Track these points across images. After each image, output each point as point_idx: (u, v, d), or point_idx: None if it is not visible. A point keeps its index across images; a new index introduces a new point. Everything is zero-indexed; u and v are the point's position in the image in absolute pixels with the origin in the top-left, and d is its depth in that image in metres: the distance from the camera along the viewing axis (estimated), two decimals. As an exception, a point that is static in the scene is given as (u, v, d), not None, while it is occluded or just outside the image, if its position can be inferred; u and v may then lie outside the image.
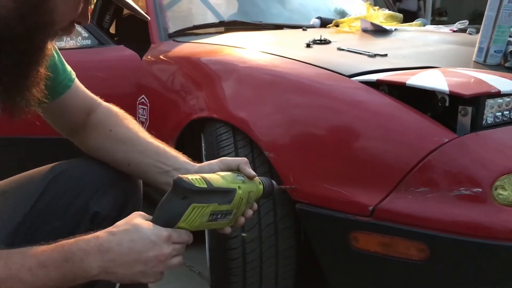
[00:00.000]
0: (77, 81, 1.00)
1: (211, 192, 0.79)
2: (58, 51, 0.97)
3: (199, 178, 0.79)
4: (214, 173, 0.86)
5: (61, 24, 0.77)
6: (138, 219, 0.77)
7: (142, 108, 1.91)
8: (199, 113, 1.55)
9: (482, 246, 1.05)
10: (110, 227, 0.77)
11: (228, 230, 0.88)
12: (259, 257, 1.35)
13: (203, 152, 1.52)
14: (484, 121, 1.13)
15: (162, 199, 0.79)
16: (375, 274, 1.20)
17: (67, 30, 0.79)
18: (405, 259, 1.11)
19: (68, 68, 0.98)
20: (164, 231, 0.76)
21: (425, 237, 1.08)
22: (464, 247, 1.06)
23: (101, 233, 0.75)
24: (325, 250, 1.26)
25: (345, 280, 1.26)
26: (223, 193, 0.82)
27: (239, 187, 0.84)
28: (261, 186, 0.91)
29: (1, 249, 0.81)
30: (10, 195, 0.94)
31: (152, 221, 0.77)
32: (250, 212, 0.90)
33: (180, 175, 0.78)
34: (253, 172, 0.89)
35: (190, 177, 0.78)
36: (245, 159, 0.91)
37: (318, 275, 1.34)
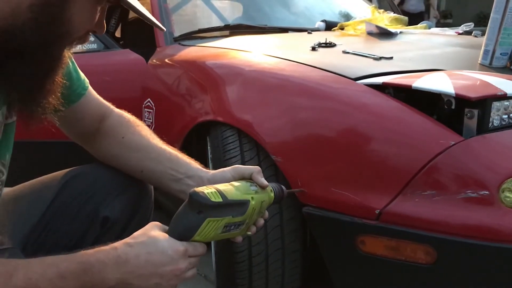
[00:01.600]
0: (90, 88, 1.01)
1: (226, 206, 0.80)
2: (73, 59, 0.97)
3: (215, 192, 0.79)
4: (227, 183, 0.86)
5: (77, 34, 0.77)
6: (155, 231, 0.78)
7: (147, 111, 1.92)
8: (205, 116, 1.56)
9: (489, 249, 1.05)
10: (128, 238, 0.78)
11: (239, 239, 0.89)
12: (265, 260, 1.35)
13: (209, 156, 1.52)
14: (490, 124, 1.13)
15: (178, 211, 0.80)
16: (382, 277, 1.19)
17: (82, 39, 0.79)
18: (412, 263, 1.11)
19: (82, 76, 0.99)
20: (181, 246, 0.77)
21: (432, 240, 1.08)
22: (471, 250, 1.06)
23: (119, 244, 0.76)
24: (331, 253, 1.25)
25: (352, 284, 1.26)
26: (237, 206, 0.82)
27: (252, 198, 0.85)
28: (272, 194, 0.91)
29: (17, 253, 0.82)
30: (24, 200, 0.96)
31: (167, 233, 0.78)
32: (261, 221, 0.91)
33: (196, 189, 0.79)
34: (265, 182, 0.89)
35: (205, 190, 0.79)
36: (258, 168, 0.91)
37: (325, 278, 1.34)
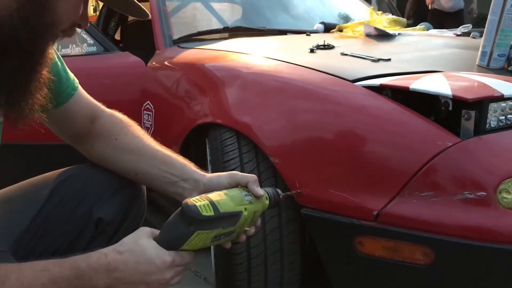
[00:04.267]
0: (80, 88, 1.00)
1: (217, 219, 0.80)
2: (62, 59, 0.96)
3: (207, 204, 0.79)
4: (222, 191, 0.86)
5: (62, 26, 0.76)
6: (145, 239, 0.79)
7: (147, 114, 1.92)
8: (204, 119, 1.56)
9: (487, 249, 1.05)
10: (118, 244, 0.79)
11: (228, 245, 0.89)
12: (264, 262, 1.36)
13: (208, 158, 1.52)
14: (487, 125, 1.14)
15: (169, 220, 0.81)
16: (380, 278, 1.20)
17: (68, 32, 0.78)
18: (410, 263, 1.11)
19: (71, 76, 0.98)
20: (168, 257, 0.78)
21: (430, 241, 1.08)
22: (469, 251, 1.06)
23: (109, 251, 0.78)
24: (330, 254, 1.26)
25: (350, 285, 1.26)
26: (229, 217, 0.82)
27: (245, 208, 0.85)
28: (267, 202, 0.91)
29: (8, 257, 0.82)
30: (16, 202, 0.95)
31: (156, 240, 0.79)
32: (252, 230, 0.91)
33: (188, 201, 0.79)
34: (260, 192, 0.89)
35: (198, 203, 0.79)
36: (254, 176, 0.91)
37: (323, 280, 1.34)
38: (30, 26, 0.69)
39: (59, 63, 0.94)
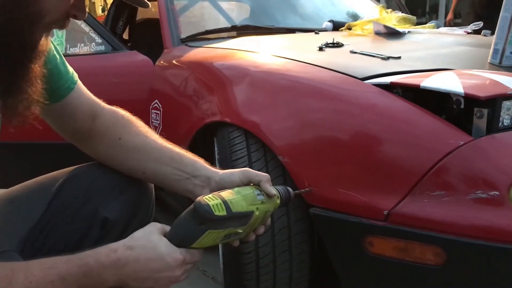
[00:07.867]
0: (79, 83, 0.97)
1: (230, 218, 0.80)
2: (60, 52, 0.94)
3: (220, 204, 0.79)
4: (235, 189, 0.85)
5: (52, 16, 0.70)
6: (156, 235, 0.79)
7: (155, 112, 1.92)
8: (212, 117, 1.55)
9: (499, 250, 1.03)
10: (128, 239, 0.78)
11: (236, 243, 0.89)
12: (272, 262, 1.35)
13: (216, 156, 1.52)
14: (500, 124, 1.12)
15: (180, 217, 0.80)
16: (391, 279, 1.18)
17: (60, 23, 0.74)
18: (421, 264, 1.10)
19: (71, 70, 0.96)
20: (179, 255, 0.78)
21: (441, 241, 1.07)
22: (481, 251, 1.05)
23: (118, 247, 0.77)
24: (339, 254, 1.25)
25: (359, 285, 1.25)
26: (241, 217, 0.82)
27: (257, 208, 0.84)
28: (278, 201, 0.90)
29: (15, 255, 0.81)
30: (21, 201, 0.94)
31: (167, 237, 0.79)
32: (262, 229, 0.90)
33: (201, 199, 0.79)
34: (273, 191, 0.88)
35: (210, 202, 0.79)
36: (267, 175, 0.90)
37: (332, 280, 1.33)
38: (10, 17, 0.65)
39: (57, 56, 0.92)
